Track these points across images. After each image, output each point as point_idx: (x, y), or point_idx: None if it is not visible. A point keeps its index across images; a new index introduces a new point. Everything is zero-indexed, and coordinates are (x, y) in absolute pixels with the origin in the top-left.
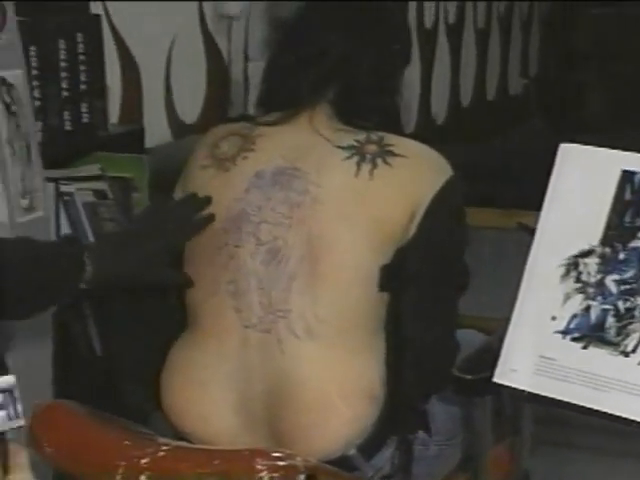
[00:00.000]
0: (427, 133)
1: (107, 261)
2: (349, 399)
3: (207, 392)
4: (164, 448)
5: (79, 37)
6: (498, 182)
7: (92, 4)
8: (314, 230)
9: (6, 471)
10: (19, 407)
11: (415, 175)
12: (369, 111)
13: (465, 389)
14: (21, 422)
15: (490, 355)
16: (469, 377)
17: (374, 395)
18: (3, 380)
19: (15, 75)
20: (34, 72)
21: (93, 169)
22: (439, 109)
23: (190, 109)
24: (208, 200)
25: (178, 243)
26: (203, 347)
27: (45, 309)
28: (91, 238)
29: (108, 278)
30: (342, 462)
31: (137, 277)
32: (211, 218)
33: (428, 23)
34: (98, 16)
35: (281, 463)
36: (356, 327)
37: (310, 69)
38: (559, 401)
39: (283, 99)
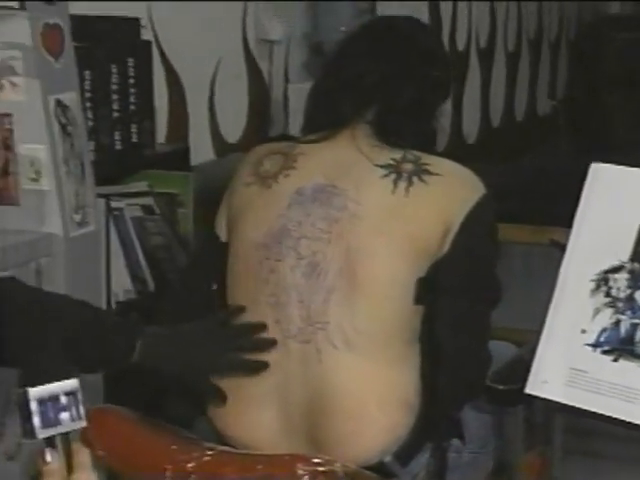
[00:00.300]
0: (458, 152)
1: (155, 353)
2: (385, 408)
3: (249, 399)
4: (209, 453)
5: (130, 62)
6: (527, 199)
7: (143, 30)
8: (352, 245)
9: (70, 469)
10: (81, 409)
11: (449, 193)
12: (406, 132)
13: (497, 399)
14: (83, 423)
15: (522, 366)
16: (501, 387)
17: (410, 404)
18: (68, 383)
19: (70, 97)
20: (88, 94)
21: (141, 186)
22: (470, 129)
23: (233, 129)
24: (272, 342)
25: (223, 371)
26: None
27: (88, 372)
28: (139, 251)
29: (151, 366)
30: (379, 468)
31: (177, 377)
32: (263, 366)
33: (460, 46)
34: (148, 42)
35: (321, 468)
36: (392, 338)
37: (350, 92)
38: (590, 412)
39: (325, 120)
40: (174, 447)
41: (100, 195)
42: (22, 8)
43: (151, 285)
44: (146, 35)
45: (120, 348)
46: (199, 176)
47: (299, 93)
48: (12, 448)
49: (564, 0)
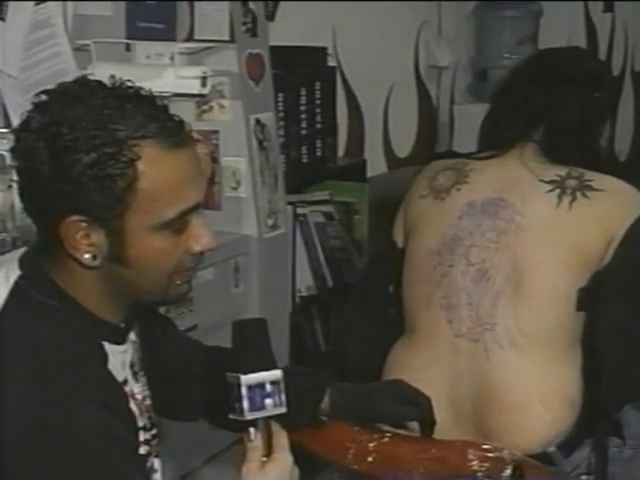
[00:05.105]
0: (611, 169)
1: (342, 399)
2: (549, 404)
3: (423, 391)
4: (387, 435)
5: (317, 85)
6: None
7: (329, 58)
8: (518, 254)
9: (270, 450)
10: (283, 397)
11: (612, 208)
12: (571, 150)
13: None
14: (284, 409)
15: None
16: None
17: (571, 401)
18: (272, 373)
19: (267, 117)
20: (280, 114)
21: (323, 195)
22: (622, 147)
23: (403, 145)
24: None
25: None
26: (418, 351)
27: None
28: (320, 252)
29: (340, 413)
30: (542, 457)
31: (361, 417)
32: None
33: (616, 70)
34: (333, 67)
35: (490, 455)
36: (555, 341)
37: (519, 115)
38: None
39: (497, 141)
40: (357, 428)
41: (288, 202)
42: (231, 41)
43: (329, 282)
44: (331, 62)
45: (312, 390)
46: (373, 187)
47: (463, 114)
48: None
49: None
